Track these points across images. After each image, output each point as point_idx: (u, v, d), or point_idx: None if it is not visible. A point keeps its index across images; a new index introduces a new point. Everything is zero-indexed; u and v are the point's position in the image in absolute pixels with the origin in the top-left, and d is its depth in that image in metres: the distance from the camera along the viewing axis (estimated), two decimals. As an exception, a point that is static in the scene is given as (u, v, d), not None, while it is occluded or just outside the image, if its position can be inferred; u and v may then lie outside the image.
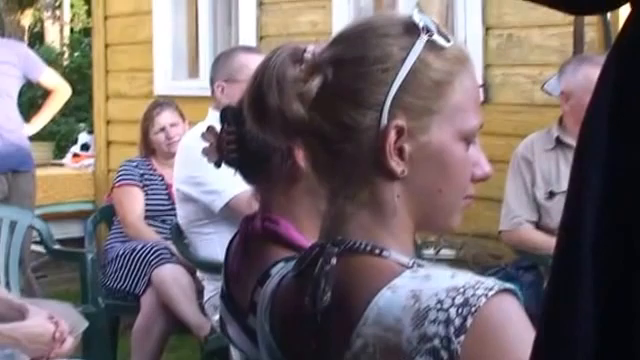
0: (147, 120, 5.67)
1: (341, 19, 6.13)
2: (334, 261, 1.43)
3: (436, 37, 1.45)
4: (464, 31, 5.60)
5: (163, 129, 5.59)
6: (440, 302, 1.32)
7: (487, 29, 5.58)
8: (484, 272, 3.96)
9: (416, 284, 1.36)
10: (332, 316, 1.42)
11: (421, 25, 1.45)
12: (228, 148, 2.15)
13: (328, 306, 1.42)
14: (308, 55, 1.50)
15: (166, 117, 5.62)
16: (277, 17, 6.61)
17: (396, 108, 1.42)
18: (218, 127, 2.25)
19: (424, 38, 1.44)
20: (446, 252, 5.19)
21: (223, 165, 2.23)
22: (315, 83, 1.44)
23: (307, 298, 1.44)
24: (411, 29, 1.45)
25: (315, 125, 1.45)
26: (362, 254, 1.44)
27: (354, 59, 1.45)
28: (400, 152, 1.43)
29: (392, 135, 1.42)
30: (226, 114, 2.16)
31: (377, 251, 1.43)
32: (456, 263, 4.80)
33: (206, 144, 2.25)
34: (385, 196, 1.45)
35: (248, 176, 2.20)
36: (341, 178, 1.47)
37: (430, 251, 5.15)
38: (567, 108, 4.44)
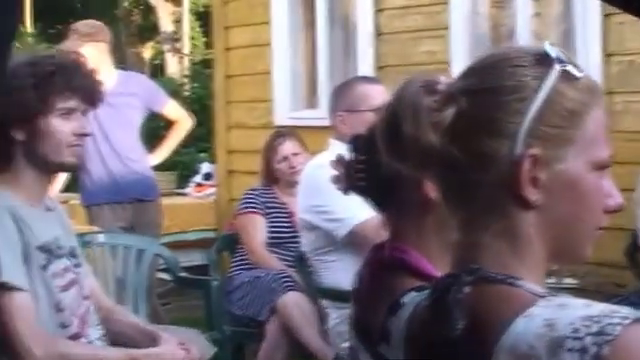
0: (269, 150, 5.76)
1: (459, 48, 6.14)
2: (467, 290, 1.43)
3: (569, 67, 1.45)
4: (584, 58, 5.56)
5: (286, 158, 5.68)
6: (576, 330, 1.31)
7: (607, 55, 5.53)
8: (607, 301, 3.92)
9: (550, 313, 1.36)
10: (466, 345, 1.43)
11: (554, 55, 1.46)
12: (358, 176, 2.17)
13: (462, 334, 1.42)
14: (441, 86, 1.51)
15: (288, 147, 5.71)
16: (395, 47, 6.64)
17: (531, 137, 1.42)
18: (340, 154, 2.29)
19: (557, 68, 1.44)
20: (569, 281, 5.13)
21: (349, 193, 2.26)
22: (449, 112, 1.45)
23: (441, 326, 1.44)
24: (544, 60, 1.46)
25: (449, 154, 1.45)
26: (496, 283, 1.44)
27: (488, 89, 1.45)
28: (535, 181, 1.43)
29: (527, 164, 1.42)
30: (356, 143, 2.19)
31: (511, 281, 1.43)
32: (579, 292, 4.75)
33: (334, 172, 2.28)
34: (520, 226, 1.45)
35: (378, 204, 2.23)
36: (474, 208, 1.47)
37: (552, 280, 5.10)
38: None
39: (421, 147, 1.46)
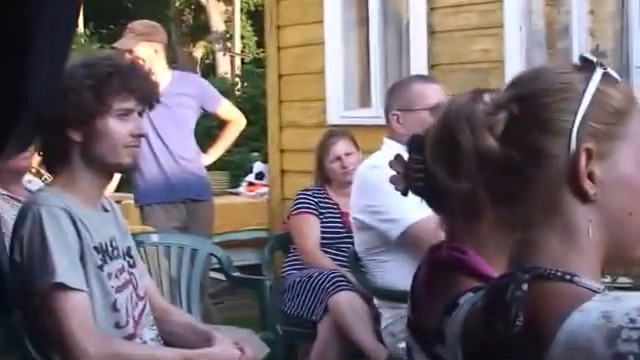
0: (322, 149, 5.76)
1: (513, 46, 6.11)
2: (525, 287, 1.45)
3: (610, 71, 1.53)
4: (639, 55, 5.51)
5: (338, 158, 5.68)
6: (632, 321, 1.34)
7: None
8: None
9: (606, 306, 1.38)
10: (523, 341, 1.44)
11: (594, 60, 1.53)
12: (415, 177, 2.17)
13: (519, 332, 1.44)
14: (487, 98, 1.58)
15: (341, 147, 5.71)
16: (448, 46, 6.61)
17: (583, 133, 1.48)
18: (398, 153, 2.28)
19: (600, 71, 1.52)
20: (623, 280, 5.09)
21: (402, 194, 2.26)
22: (502, 116, 1.51)
23: (499, 324, 1.46)
24: (586, 65, 1.54)
25: (506, 155, 1.50)
26: (553, 280, 1.46)
27: (537, 92, 1.52)
28: (591, 176, 1.48)
29: (583, 159, 1.47)
30: (414, 143, 2.18)
31: (568, 277, 1.46)
32: (633, 291, 4.70)
33: (392, 172, 2.28)
34: (578, 221, 1.49)
35: (435, 205, 2.22)
36: (532, 206, 1.51)
37: (607, 279, 5.06)
38: None
39: (479, 151, 1.51)
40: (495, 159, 1.51)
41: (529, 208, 1.52)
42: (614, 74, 1.53)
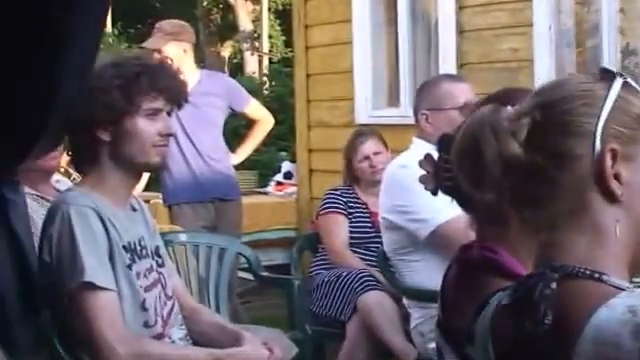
0: (351, 149, 5.75)
1: (543, 45, 6.07)
2: (554, 285, 1.47)
3: (630, 81, 1.57)
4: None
5: (367, 158, 5.67)
6: None
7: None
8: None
9: (632, 300, 1.41)
10: (551, 339, 1.46)
11: (614, 71, 1.58)
12: (445, 176, 2.16)
13: (548, 330, 1.45)
14: (510, 108, 1.59)
15: (370, 146, 5.70)
16: (477, 45, 6.57)
17: (607, 135, 1.52)
18: (425, 153, 2.27)
19: (620, 80, 1.56)
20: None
21: (432, 193, 2.25)
22: (526, 121, 1.54)
23: (528, 322, 1.48)
24: (606, 75, 1.58)
25: (529, 159, 1.53)
26: (582, 279, 1.49)
27: (559, 99, 1.55)
28: (617, 177, 1.51)
29: (608, 159, 1.51)
30: (443, 142, 2.17)
31: (597, 275, 1.48)
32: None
33: (419, 173, 2.27)
34: (605, 220, 1.52)
35: (465, 204, 2.21)
36: (556, 207, 1.54)
37: (638, 279, 5.03)
38: None
39: (503, 157, 1.54)
40: (519, 164, 1.53)
41: (554, 210, 1.54)
42: (634, 84, 1.57)
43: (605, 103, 1.53)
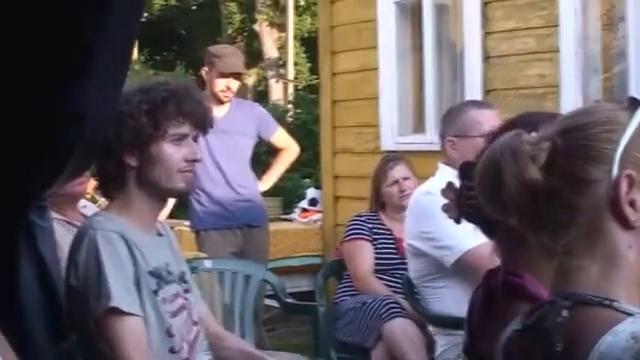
0: (380, 174, 5.76)
1: (569, 71, 6.06)
2: (565, 314, 1.49)
3: None
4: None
5: (396, 182, 5.68)
6: None
7: None
8: None
9: (636, 327, 1.42)
10: None
11: None
12: (468, 203, 2.16)
13: (558, 357, 1.47)
14: (532, 134, 1.59)
15: (399, 171, 5.71)
16: (503, 71, 6.57)
17: (626, 162, 1.53)
18: (450, 180, 2.27)
19: None
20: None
21: (455, 221, 2.25)
22: (546, 146, 1.55)
23: (539, 351, 1.50)
24: (632, 103, 1.59)
25: (547, 183, 1.54)
26: (593, 306, 1.50)
27: (582, 125, 1.57)
28: (633, 203, 1.52)
29: (624, 185, 1.52)
30: (465, 170, 2.17)
31: (607, 302, 1.50)
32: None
33: (443, 200, 2.27)
34: (619, 246, 1.54)
35: (489, 231, 2.21)
36: (573, 232, 1.55)
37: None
38: None
39: (522, 181, 1.55)
40: (538, 188, 1.54)
41: (571, 234, 1.55)
42: None
43: (627, 129, 1.54)
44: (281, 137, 6.74)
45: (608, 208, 1.52)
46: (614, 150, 1.53)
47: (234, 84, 6.30)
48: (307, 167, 11.71)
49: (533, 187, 1.54)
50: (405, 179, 5.68)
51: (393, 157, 5.96)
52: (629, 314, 1.47)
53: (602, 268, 1.53)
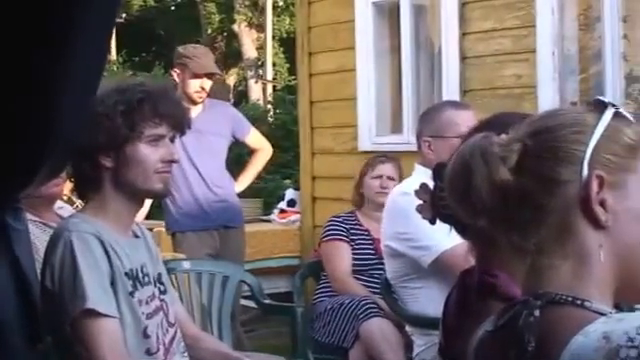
0: (369, 165, 5.80)
1: (546, 71, 6.08)
2: (537, 313, 1.50)
3: (622, 111, 1.60)
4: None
5: (380, 177, 5.69)
6: (631, 339, 1.38)
7: None
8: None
9: (607, 326, 1.43)
10: None
11: (606, 101, 1.61)
12: (442, 204, 2.16)
13: (530, 357, 1.48)
14: (502, 136, 1.61)
15: (388, 168, 5.74)
16: (480, 71, 6.58)
17: (595, 162, 1.55)
18: (426, 181, 2.28)
19: (612, 109, 1.59)
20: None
21: (429, 222, 2.25)
22: (516, 147, 1.57)
23: (511, 351, 1.50)
24: (598, 105, 1.61)
25: (517, 184, 1.55)
26: (565, 305, 1.51)
27: (551, 127, 1.59)
28: (603, 203, 1.54)
29: (595, 185, 1.54)
30: (439, 171, 2.18)
31: (579, 302, 1.51)
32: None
33: (418, 201, 2.27)
34: (589, 246, 1.55)
35: (462, 231, 2.21)
36: (543, 232, 1.56)
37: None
38: None
39: (492, 182, 1.56)
40: (508, 189, 1.56)
41: (542, 234, 1.57)
42: (627, 115, 1.60)
43: (595, 130, 1.56)
44: (254, 138, 6.74)
45: (579, 208, 1.54)
46: (583, 151, 1.55)
47: (207, 84, 6.30)
48: (288, 168, 11.70)
49: (504, 188, 1.55)
50: (390, 178, 5.70)
51: (387, 155, 5.99)
52: (601, 314, 1.48)
53: (573, 266, 1.55)
